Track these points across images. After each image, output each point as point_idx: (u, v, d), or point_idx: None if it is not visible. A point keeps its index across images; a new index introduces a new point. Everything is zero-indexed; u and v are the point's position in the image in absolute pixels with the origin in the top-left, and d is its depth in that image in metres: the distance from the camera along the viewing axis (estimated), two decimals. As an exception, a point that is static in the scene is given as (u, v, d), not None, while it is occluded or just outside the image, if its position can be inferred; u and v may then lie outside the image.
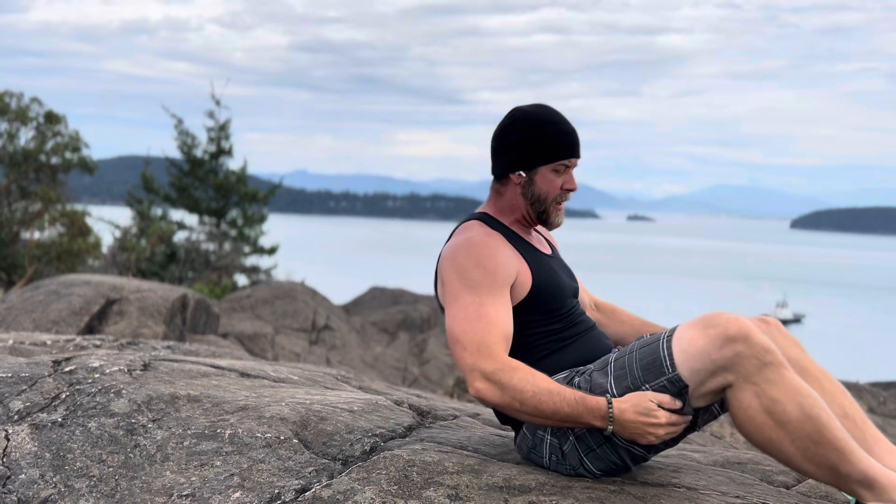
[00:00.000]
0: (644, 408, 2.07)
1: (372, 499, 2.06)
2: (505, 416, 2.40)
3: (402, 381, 8.88)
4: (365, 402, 2.84)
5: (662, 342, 2.13)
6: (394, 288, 12.84)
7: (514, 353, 2.26)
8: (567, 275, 2.49)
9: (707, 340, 2.05)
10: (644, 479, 2.26)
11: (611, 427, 2.08)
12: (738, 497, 2.18)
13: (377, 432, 2.48)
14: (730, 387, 2.05)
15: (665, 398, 2.07)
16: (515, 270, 2.29)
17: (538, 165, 2.34)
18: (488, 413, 3.22)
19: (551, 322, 2.33)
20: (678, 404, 2.08)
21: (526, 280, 2.31)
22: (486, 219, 2.42)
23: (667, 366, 2.09)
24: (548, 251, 2.49)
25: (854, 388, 8.95)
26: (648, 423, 2.07)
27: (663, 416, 2.06)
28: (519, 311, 2.29)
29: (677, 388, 2.08)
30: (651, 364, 2.12)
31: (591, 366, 2.27)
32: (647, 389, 2.10)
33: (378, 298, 12.31)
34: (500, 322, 2.19)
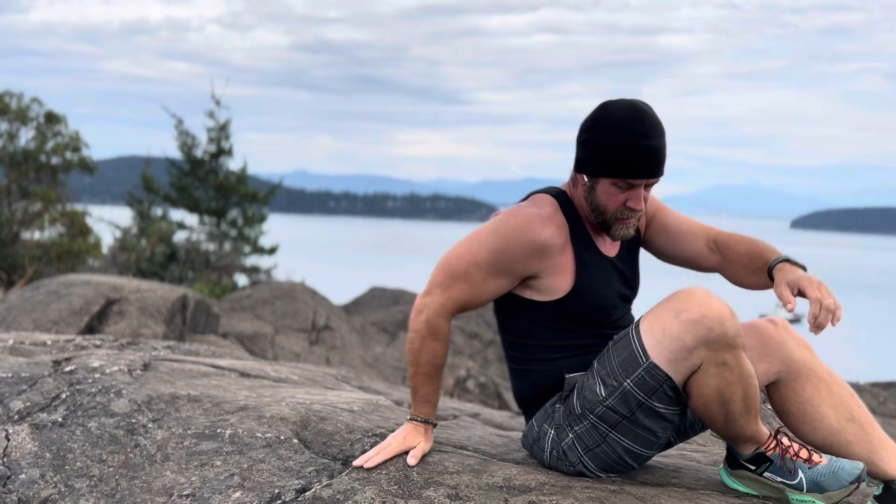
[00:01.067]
0: (384, 444, 2.28)
1: (372, 499, 2.06)
2: (520, 402, 2.44)
3: (402, 381, 8.88)
4: (365, 402, 2.84)
5: (632, 333, 2.13)
6: (394, 288, 12.83)
7: (542, 341, 2.30)
8: (622, 280, 2.36)
9: (680, 326, 2.04)
10: (644, 479, 2.26)
11: (408, 419, 2.34)
12: (738, 497, 2.18)
13: (377, 432, 2.48)
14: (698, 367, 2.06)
15: (416, 455, 2.25)
16: (545, 262, 2.22)
17: (599, 176, 2.19)
18: (488, 413, 3.22)
19: (583, 335, 2.29)
20: (411, 462, 2.22)
21: (563, 285, 2.24)
22: (563, 200, 2.30)
23: (641, 358, 2.09)
24: (613, 252, 2.36)
25: (854, 388, 8.95)
26: (388, 447, 2.27)
27: (383, 456, 2.24)
28: (553, 311, 2.27)
29: (657, 379, 2.07)
30: (627, 359, 2.12)
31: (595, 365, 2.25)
32: (628, 385, 2.11)
33: (378, 298, 12.31)
34: (476, 296, 2.26)
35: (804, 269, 2.20)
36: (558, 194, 2.31)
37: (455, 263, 2.25)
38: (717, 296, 2.07)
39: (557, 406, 2.28)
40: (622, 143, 2.12)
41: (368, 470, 2.19)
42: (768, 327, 2.28)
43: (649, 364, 2.07)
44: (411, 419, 2.33)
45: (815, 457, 2.13)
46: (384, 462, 2.22)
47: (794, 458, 2.13)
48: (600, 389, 2.15)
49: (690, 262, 2.45)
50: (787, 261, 2.23)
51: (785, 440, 2.16)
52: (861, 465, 2.09)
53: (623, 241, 2.37)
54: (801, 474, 2.12)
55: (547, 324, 2.28)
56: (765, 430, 2.18)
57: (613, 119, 2.14)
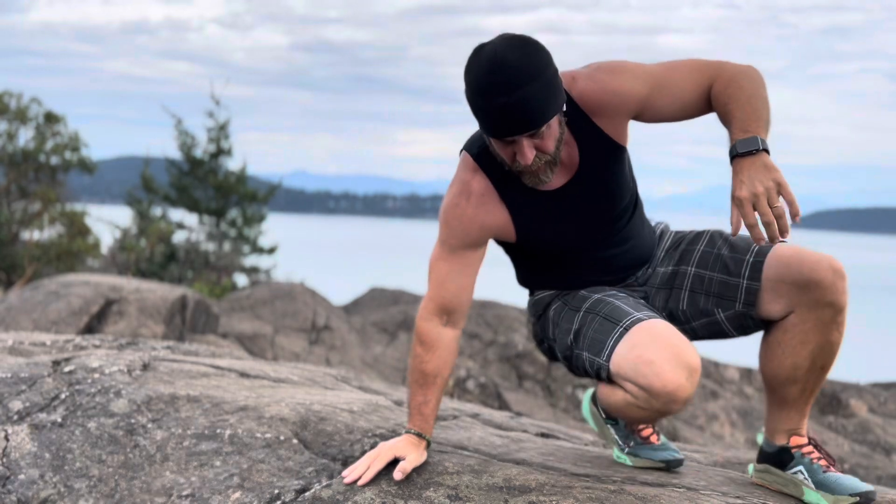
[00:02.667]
0: (389, 450, 2.18)
1: (372, 499, 2.05)
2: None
3: (402, 381, 8.88)
4: (365, 402, 2.84)
5: (618, 331, 2.09)
6: (394, 288, 12.82)
7: (528, 276, 2.38)
8: (575, 207, 2.19)
9: (634, 393, 2.02)
10: (644, 479, 2.26)
11: (402, 432, 2.27)
12: (738, 497, 2.18)
13: (377, 432, 2.47)
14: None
15: (404, 470, 2.14)
16: (489, 231, 2.21)
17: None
18: (488, 413, 3.21)
19: (544, 269, 2.33)
20: (397, 477, 2.12)
21: (509, 234, 2.24)
22: (483, 157, 2.18)
23: (604, 355, 2.09)
24: (562, 181, 2.18)
25: (854, 388, 8.96)
26: (375, 456, 2.18)
27: (372, 467, 2.15)
28: (520, 251, 2.31)
29: (603, 377, 2.12)
30: (596, 343, 2.13)
31: (575, 296, 2.28)
32: (584, 355, 2.16)
33: (378, 298, 12.31)
34: (445, 282, 2.24)
35: (766, 150, 1.91)
36: (480, 154, 2.18)
37: (430, 264, 2.28)
38: (684, 354, 1.97)
39: (531, 318, 2.43)
40: (478, 102, 1.98)
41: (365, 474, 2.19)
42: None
43: (606, 367, 2.09)
44: (406, 431, 2.26)
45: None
46: (374, 474, 2.13)
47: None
48: (564, 342, 2.24)
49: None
50: (743, 153, 1.91)
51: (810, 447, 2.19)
52: (870, 487, 2.08)
53: (586, 155, 2.16)
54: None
55: (524, 263, 2.36)
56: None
57: (470, 74, 1.98)
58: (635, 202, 2.32)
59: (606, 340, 2.10)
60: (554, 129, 2.03)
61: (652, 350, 1.99)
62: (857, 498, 2.05)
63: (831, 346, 2.10)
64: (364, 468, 2.15)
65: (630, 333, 2.06)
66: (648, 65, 2.15)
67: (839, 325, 2.08)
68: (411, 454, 2.18)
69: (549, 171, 2.09)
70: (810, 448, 2.18)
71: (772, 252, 2.12)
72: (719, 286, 2.19)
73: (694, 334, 2.26)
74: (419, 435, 2.24)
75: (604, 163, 2.18)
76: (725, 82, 2.06)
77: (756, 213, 1.85)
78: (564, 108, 2.08)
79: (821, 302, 2.04)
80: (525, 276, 2.43)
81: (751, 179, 1.86)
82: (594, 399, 2.43)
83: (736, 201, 1.87)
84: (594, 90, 2.13)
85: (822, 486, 2.11)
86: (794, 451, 2.18)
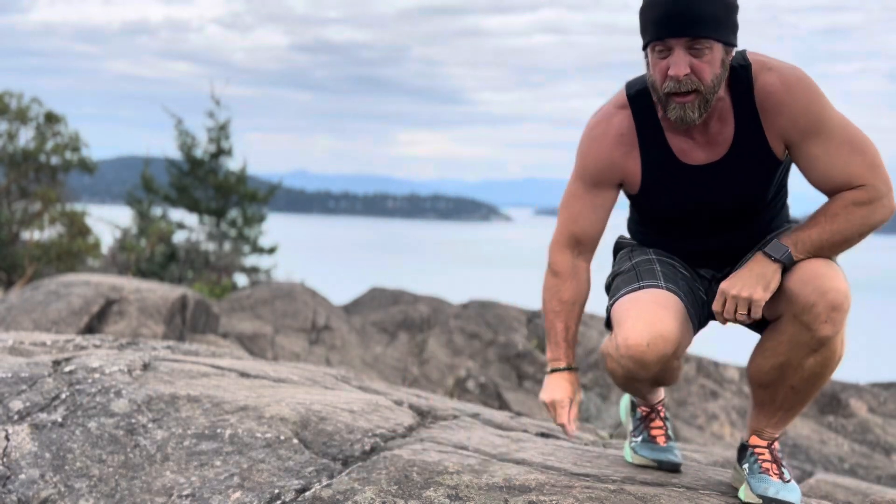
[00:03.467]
0: (553, 401, 2.31)
1: (372, 499, 2.06)
2: None
3: (402, 381, 8.87)
4: (365, 402, 2.84)
5: (629, 289, 2.22)
6: (394, 288, 12.81)
7: (636, 231, 2.44)
8: (708, 189, 2.16)
9: (613, 346, 2.16)
10: (644, 478, 2.26)
11: (547, 373, 2.35)
12: (737, 498, 2.18)
13: (377, 432, 2.48)
14: None
15: (567, 421, 2.30)
16: (618, 172, 2.23)
17: (645, 46, 2.06)
18: (488, 413, 3.22)
19: (645, 223, 2.37)
20: (570, 430, 2.30)
21: (632, 184, 2.25)
22: (639, 101, 2.17)
23: (612, 302, 2.26)
24: (707, 158, 2.14)
25: (854, 388, 8.96)
26: (545, 404, 2.33)
27: (558, 418, 2.30)
28: (637, 205, 2.34)
29: (605, 321, 2.31)
30: (617, 289, 2.28)
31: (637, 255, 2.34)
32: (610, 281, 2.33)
33: (378, 298, 12.29)
34: (577, 219, 2.30)
35: (783, 264, 2.03)
36: (637, 96, 2.18)
37: (563, 199, 2.34)
38: (658, 323, 2.08)
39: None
40: (650, 2, 2.02)
41: (368, 470, 2.19)
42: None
43: (609, 308, 2.27)
44: (551, 371, 2.33)
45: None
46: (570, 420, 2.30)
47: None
48: (608, 282, 2.37)
49: None
50: (767, 253, 2.05)
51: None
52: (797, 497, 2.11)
53: (738, 147, 2.12)
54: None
55: (636, 217, 2.40)
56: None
57: None
58: (768, 209, 2.24)
59: (621, 290, 2.23)
60: (715, 59, 2.00)
61: (636, 310, 2.13)
62: (761, 500, 2.08)
63: (803, 370, 2.05)
64: (566, 420, 2.28)
65: (637, 293, 2.17)
66: (834, 111, 2.09)
67: (818, 355, 2.02)
68: (565, 398, 2.30)
69: (697, 108, 2.03)
70: (763, 450, 2.19)
71: (803, 263, 2.05)
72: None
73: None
74: (570, 369, 2.32)
75: (751, 163, 2.13)
76: (853, 199, 2.04)
77: (725, 306, 2.06)
78: (733, 56, 2.06)
79: (801, 322, 2.00)
80: (630, 222, 2.48)
81: (742, 281, 2.04)
82: (633, 405, 2.58)
83: (719, 288, 2.08)
84: (780, 91, 2.06)
85: (749, 482, 2.15)
86: (749, 448, 2.21)
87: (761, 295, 2.01)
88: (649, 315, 2.10)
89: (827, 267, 2.02)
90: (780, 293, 2.05)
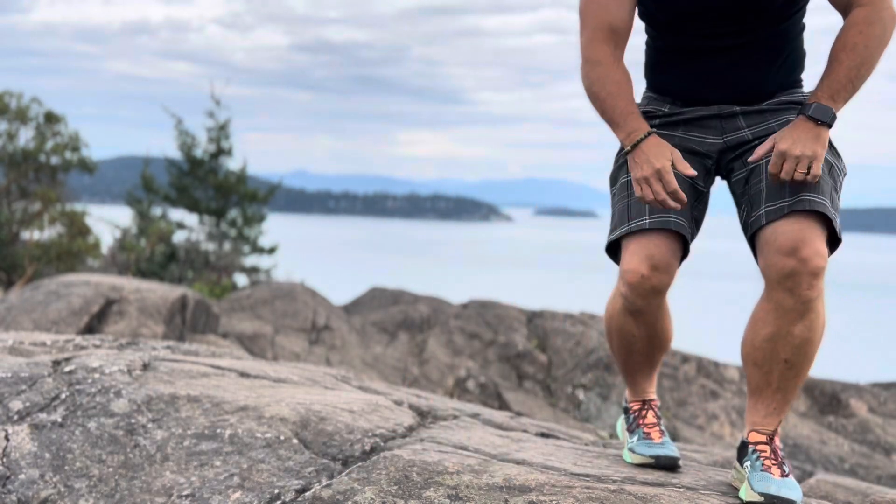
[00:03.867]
0: (655, 172, 2.12)
1: (372, 499, 2.06)
2: None
3: (402, 381, 8.87)
4: (365, 402, 2.84)
5: (624, 229, 2.25)
6: (394, 288, 12.80)
7: (650, 39, 2.39)
8: None
9: (615, 294, 2.33)
10: (644, 478, 2.26)
11: (628, 148, 2.19)
12: (737, 498, 2.18)
13: (377, 432, 2.48)
14: None
15: (682, 199, 2.14)
16: None
17: None
18: (488, 413, 3.21)
19: (659, 37, 2.34)
20: (682, 196, 2.13)
21: None
22: None
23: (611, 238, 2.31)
24: None
25: (854, 388, 8.96)
26: (647, 179, 2.13)
27: (659, 192, 2.12)
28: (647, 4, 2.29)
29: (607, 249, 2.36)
30: (613, 220, 2.34)
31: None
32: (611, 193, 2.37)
33: (378, 298, 12.29)
34: (608, 6, 2.25)
35: (827, 124, 2.10)
36: None
37: (587, 5, 2.27)
38: (657, 255, 2.19)
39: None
40: None
41: (368, 470, 2.19)
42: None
43: (609, 242, 2.33)
44: (635, 144, 2.17)
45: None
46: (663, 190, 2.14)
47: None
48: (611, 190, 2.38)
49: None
50: (811, 116, 2.10)
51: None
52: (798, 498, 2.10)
53: None
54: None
55: (650, 38, 2.38)
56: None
57: None
58: (780, 14, 2.25)
59: (616, 229, 2.28)
60: None
61: (636, 251, 2.21)
62: (763, 498, 2.08)
63: (794, 338, 2.11)
64: (678, 191, 2.12)
65: (637, 236, 2.21)
66: None
67: (805, 319, 2.10)
68: (662, 157, 2.14)
69: None
70: (764, 446, 2.19)
71: (796, 216, 2.09)
72: (756, 195, 2.20)
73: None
74: (646, 136, 2.17)
75: None
76: (863, 20, 2.14)
77: (783, 167, 2.06)
78: None
79: (785, 288, 2.07)
80: (646, 57, 2.43)
81: (801, 141, 2.06)
82: (625, 410, 2.62)
83: (776, 150, 2.08)
84: None
85: (750, 480, 2.14)
86: (749, 445, 2.21)
87: (822, 152, 2.07)
88: (644, 251, 2.19)
89: (808, 230, 2.08)
90: (762, 258, 2.13)
